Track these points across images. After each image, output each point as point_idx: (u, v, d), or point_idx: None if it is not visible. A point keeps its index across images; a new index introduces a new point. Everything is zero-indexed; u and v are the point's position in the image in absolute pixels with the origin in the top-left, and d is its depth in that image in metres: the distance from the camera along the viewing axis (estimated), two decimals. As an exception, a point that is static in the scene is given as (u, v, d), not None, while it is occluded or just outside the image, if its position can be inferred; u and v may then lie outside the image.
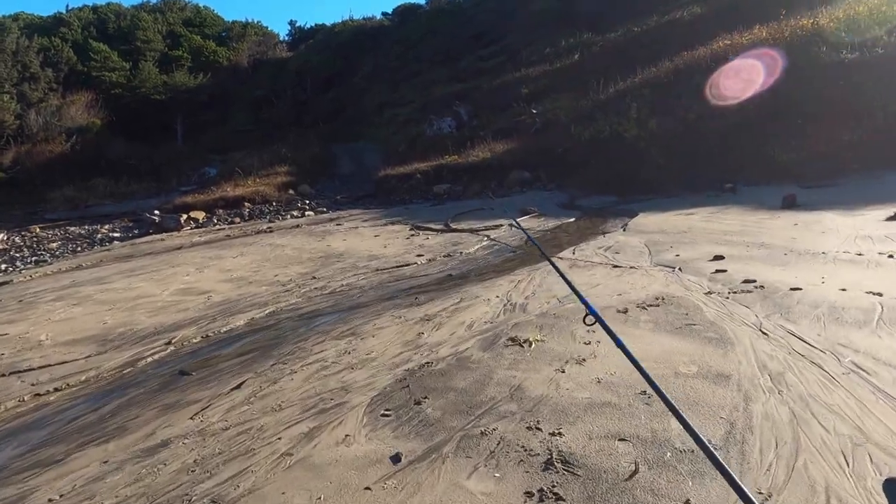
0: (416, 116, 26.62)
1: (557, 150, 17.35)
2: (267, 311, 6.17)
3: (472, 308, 5.25)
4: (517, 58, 27.14)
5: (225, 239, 12.96)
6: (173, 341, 5.44)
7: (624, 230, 8.54)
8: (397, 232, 10.85)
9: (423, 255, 8.19)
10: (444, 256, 8.02)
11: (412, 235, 10.20)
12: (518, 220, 10.60)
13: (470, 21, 33.43)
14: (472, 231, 9.86)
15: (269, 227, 13.97)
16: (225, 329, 5.67)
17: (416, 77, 31.63)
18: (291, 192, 20.62)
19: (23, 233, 19.76)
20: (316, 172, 23.92)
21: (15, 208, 27.75)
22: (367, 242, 9.95)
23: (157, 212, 18.61)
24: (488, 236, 9.27)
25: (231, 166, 25.16)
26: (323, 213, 16.77)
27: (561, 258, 6.99)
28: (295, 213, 17.12)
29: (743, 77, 13.95)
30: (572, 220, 10.33)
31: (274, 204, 19.52)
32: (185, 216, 18.23)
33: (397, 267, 7.63)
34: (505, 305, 5.23)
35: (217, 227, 16.38)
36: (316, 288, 6.94)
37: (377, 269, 7.59)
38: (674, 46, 19.04)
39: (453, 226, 10.77)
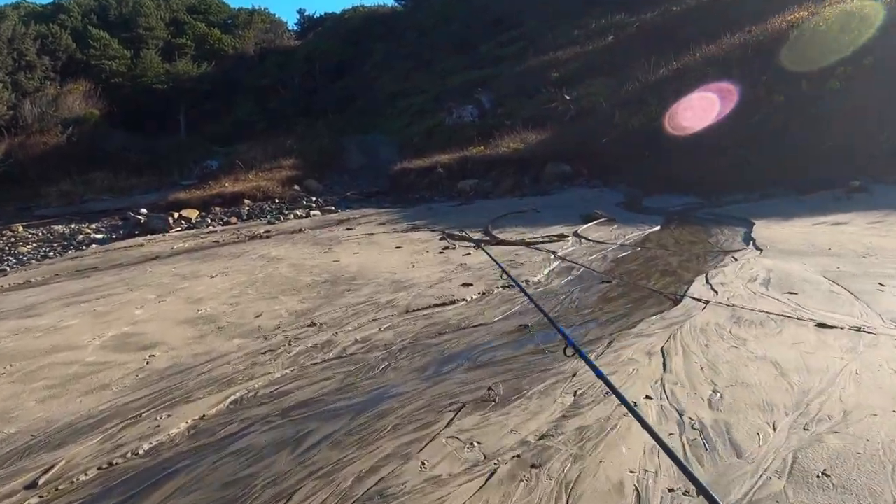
0: (431, 106, 23.92)
1: (600, 140, 14.64)
2: (231, 399, 3.53)
3: (615, 433, 2.58)
4: (540, 43, 24.31)
5: (212, 246, 10.35)
6: (45, 480, 2.82)
7: (756, 248, 5.83)
8: (425, 242, 8.18)
9: (470, 285, 5.52)
10: (504, 287, 5.36)
11: (446, 248, 7.53)
12: (583, 227, 7.92)
13: (487, 6, 30.54)
14: (527, 244, 7.17)
15: (267, 231, 11.34)
16: (148, 446, 3.04)
17: (431, 65, 28.86)
18: (297, 187, 17.99)
19: (4, 232, 17.30)
20: (324, 166, 21.27)
21: (9, 204, 25.34)
22: (388, 258, 7.29)
23: (144, 210, 16.03)
24: (553, 252, 6.58)
25: (234, 159, 22.58)
26: (331, 212, 14.15)
27: (703, 301, 4.30)
28: (299, 211, 14.49)
29: (836, 50, 11.15)
30: (657, 227, 7.62)
31: (276, 201, 16.92)
32: (176, 215, 15.70)
33: (437, 306, 4.97)
34: (681, 428, 2.57)
35: (209, 228, 13.79)
36: (315, 346, 4.29)
37: (407, 310, 4.93)
38: (721, 25, 16.29)
39: (498, 235, 8.09)
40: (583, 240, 7.18)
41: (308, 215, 13.69)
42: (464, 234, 8.36)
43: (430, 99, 24.18)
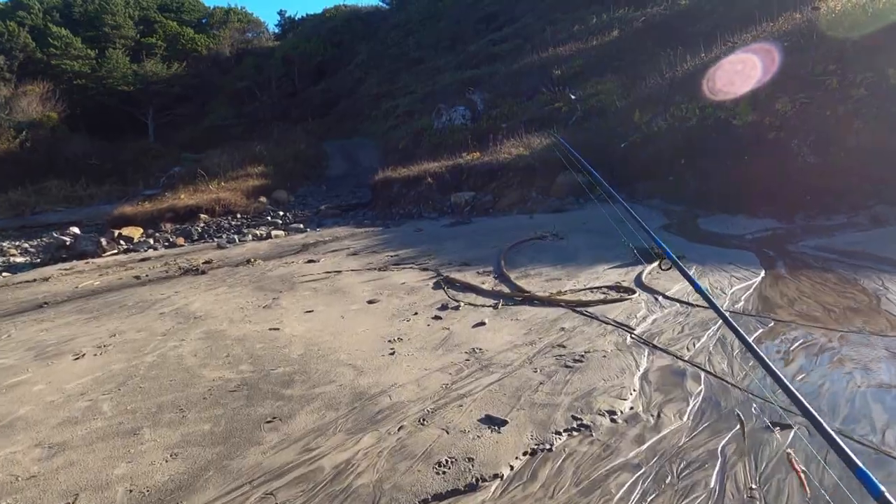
0: (419, 108, 21.23)
1: (617, 145, 12.03)
2: None
3: None
4: (537, 40, 21.71)
5: (128, 285, 7.50)
6: None
7: None
8: (412, 292, 5.41)
9: (503, 422, 2.76)
10: (567, 432, 2.61)
11: (444, 308, 4.78)
12: (647, 270, 5.21)
13: (478, 2, 27.90)
14: (572, 306, 4.43)
15: (208, 262, 8.52)
16: None
17: (418, 65, 26.16)
18: (263, 199, 15.16)
19: (-79, 252, 14.26)
20: (298, 174, 18.43)
21: (-47, 215, 22.21)
22: (355, 327, 4.51)
23: (74, 229, 13.11)
24: (627, 329, 3.85)
25: (198, 167, 19.65)
26: (298, 231, 11.34)
27: None
28: (260, 230, 11.68)
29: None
30: (760, 274, 4.91)
31: (238, 216, 14.08)
32: (117, 233, 12.80)
33: (443, 499, 2.22)
34: None
35: (148, 252, 10.93)
36: None
37: (376, 513, 2.18)
38: (736, 19, 13.97)
39: (517, 282, 5.35)
40: (660, 297, 4.47)
41: (269, 236, 10.87)
42: (466, 279, 5.61)
43: (418, 100, 21.48)
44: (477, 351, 3.71)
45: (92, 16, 31.72)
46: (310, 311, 5.10)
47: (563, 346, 3.62)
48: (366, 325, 4.51)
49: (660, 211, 9.02)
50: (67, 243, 11.65)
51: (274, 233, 10.98)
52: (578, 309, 4.34)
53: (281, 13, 51.31)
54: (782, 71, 10.04)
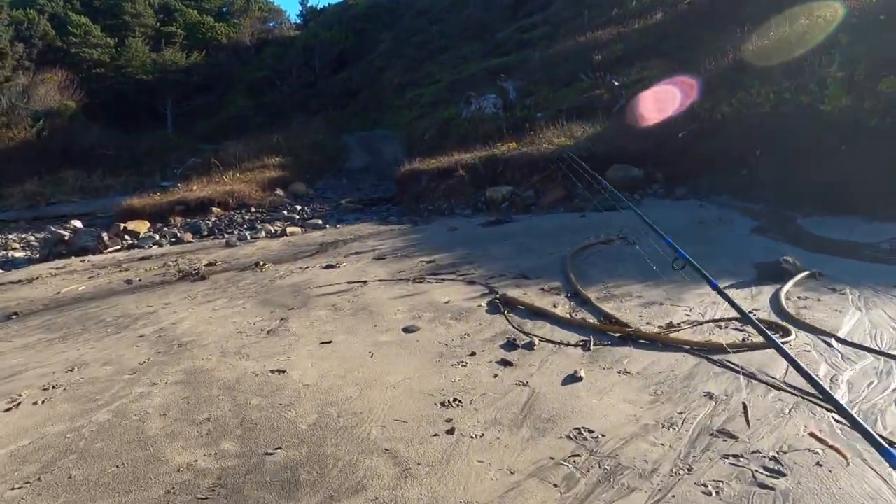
0: (445, 97, 19.81)
1: (673, 135, 10.55)
2: None
3: None
4: (570, 26, 20.16)
5: (116, 292, 6.27)
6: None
7: None
8: (461, 318, 4.04)
9: None
10: None
11: (510, 345, 3.41)
12: (784, 290, 3.76)
13: (506, -11, 26.28)
14: (704, 353, 3.03)
15: (211, 264, 7.26)
16: None
17: (444, 53, 24.72)
18: (280, 192, 13.91)
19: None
20: (318, 166, 17.17)
21: (-37, 205, 21.45)
22: (391, 374, 3.16)
23: (76, 223, 11.99)
24: (829, 408, 2.44)
25: (212, 158, 18.50)
26: (316, 227, 10.06)
27: None
28: (274, 226, 10.41)
29: None
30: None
31: (253, 210, 12.84)
32: (122, 227, 11.67)
33: None
34: None
35: (150, 248, 9.75)
36: None
37: None
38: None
39: (601, 305, 3.95)
40: (831, 341, 3.05)
41: (283, 233, 9.58)
42: (528, 298, 4.22)
43: (444, 88, 20.07)
44: (585, 435, 2.33)
45: (112, 4, 30.80)
46: (327, 343, 3.77)
47: (732, 436, 2.21)
48: (404, 372, 3.16)
49: (736, 210, 7.53)
50: (66, 238, 10.51)
51: (289, 229, 9.69)
52: (715, 357, 2.93)
53: (302, 2, 50.11)
54: (880, 47, 8.45)
